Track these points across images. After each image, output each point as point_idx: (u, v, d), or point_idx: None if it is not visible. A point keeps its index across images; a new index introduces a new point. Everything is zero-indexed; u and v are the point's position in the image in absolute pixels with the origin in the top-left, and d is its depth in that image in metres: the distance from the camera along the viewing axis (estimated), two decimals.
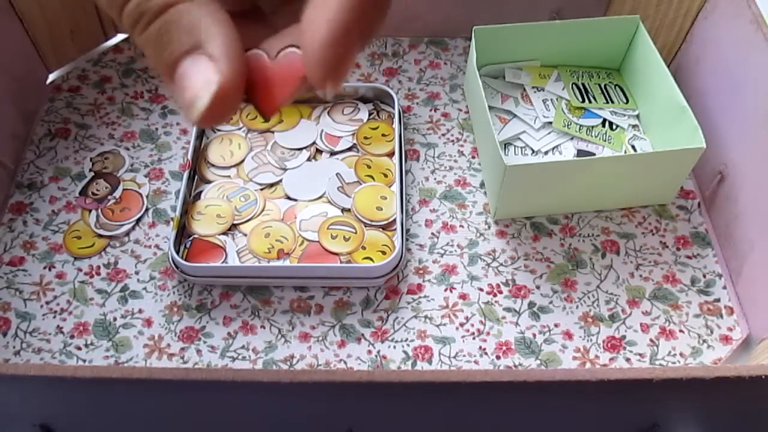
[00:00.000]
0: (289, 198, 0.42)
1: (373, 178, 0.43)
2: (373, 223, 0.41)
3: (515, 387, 0.26)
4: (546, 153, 0.44)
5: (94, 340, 0.37)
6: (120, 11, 0.19)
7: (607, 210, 0.43)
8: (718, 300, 0.40)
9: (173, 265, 0.39)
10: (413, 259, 0.41)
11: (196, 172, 0.43)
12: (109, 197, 0.42)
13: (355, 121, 0.45)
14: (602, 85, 0.47)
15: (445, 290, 0.39)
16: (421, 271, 0.40)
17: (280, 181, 0.43)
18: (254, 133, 0.45)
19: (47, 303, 0.39)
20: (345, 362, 0.37)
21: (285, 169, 0.43)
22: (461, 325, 0.38)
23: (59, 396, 0.29)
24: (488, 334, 0.38)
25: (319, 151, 0.44)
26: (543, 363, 0.37)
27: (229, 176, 0.43)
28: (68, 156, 0.45)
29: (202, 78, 0.18)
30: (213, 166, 0.43)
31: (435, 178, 0.44)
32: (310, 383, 0.25)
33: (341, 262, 0.39)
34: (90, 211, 0.42)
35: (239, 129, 0.45)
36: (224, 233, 0.40)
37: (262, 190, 0.42)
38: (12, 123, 0.44)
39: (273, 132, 0.45)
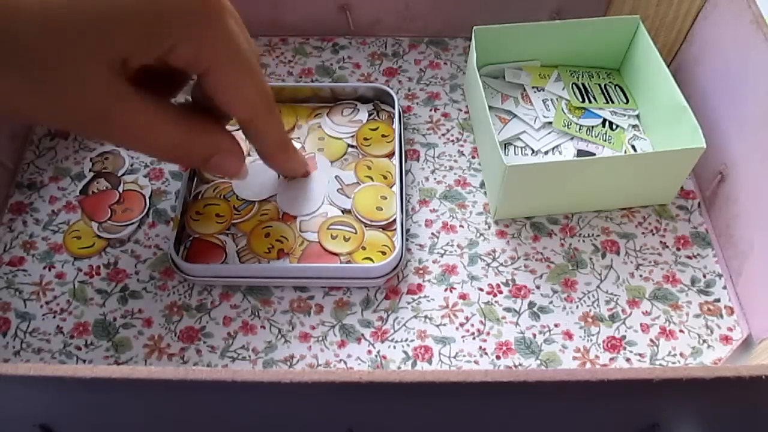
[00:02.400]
0: (286, 214, 0.41)
1: (372, 179, 0.43)
2: (373, 224, 0.41)
3: (515, 387, 0.26)
4: (546, 153, 0.44)
5: (94, 340, 0.37)
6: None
7: (607, 210, 0.43)
8: (718, 300, 0.40)
9: (173, 265, 0.39)
10: (413, 259, 0.41)
11: (196, 172, 0.43)
12: (113, 201, 0.42)
13: (354, 122, 0.45)
14: (602, 85, 0.47)
15: (445, 290, 0.39)
16: (421, 271, 0.40)
17: (273, 196, 0.42)
18: None
19: (47, 303, 0.39)
20: (345, 362, 0.37)
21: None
22: (461, 325, 0.38)
23: (59, 396, 0.29)
24: (488, 334, 0.38)
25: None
26: (543, 363, 0.37)
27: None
28: (68, 156, 0.45)
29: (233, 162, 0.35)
30: None
31: (435, 178, 0.44)
32: (310, 383, 0.25)
33: (341, 262, 0.39)
34: (93, 218, 0.42)
35: (238, 129, 0.45)
36: (224, 232, 0.40)
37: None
38: (12, 123, 0.44)
39: None
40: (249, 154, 0.44)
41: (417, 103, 0.48)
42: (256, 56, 0.34)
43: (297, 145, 0.44)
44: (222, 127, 0.35)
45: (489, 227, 0.42)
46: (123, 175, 0.44)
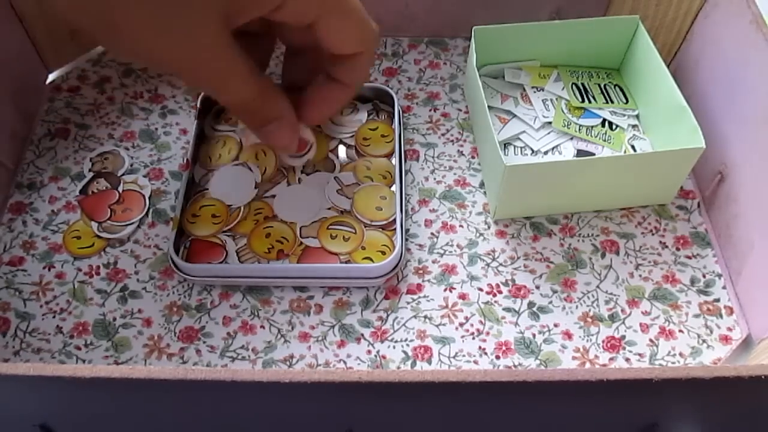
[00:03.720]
0: (283, 221, 0.41)
1: (371, 179, 0.43)
2: (373, 224, 0.41)
3: (515, 387, 0.26)
4: (546, 153, 0.44)
5: (93, 340, 0.37)
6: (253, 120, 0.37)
7: (607, 210, 0.43)
8: (717, 300, 0.40)
9: (173, 265, 0.39)
10: (413, 259, 0.41)
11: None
12: (113, 200, 0.43)
13: (353, 122, 0.45)
14: (602, 85, 0.47)
15: (445, 290, 0.39)
16: (421, 271, 0.40)
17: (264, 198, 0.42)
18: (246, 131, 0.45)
19: (47, 303, 0.39)
20: (345, 362, 0.37)
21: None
22: (461, 325, 0.38)
23: (59, 396, 0.29)
24: (488, 334, 0.38)
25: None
26: (543, 363, 0.37)
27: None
28: (68, 156, 0.45)
29: (286, 133, 0.37)
30: (200, 167, 0.43)
31: (435, 178, 0.44)
32: (310, 383, 0.25)
33: (341, 262, 0.39)
34: (92, 218, 0.42)
35: (235, 131, 0.45)
36: (223, 232, 0.40)
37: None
38: (12, 123, 0.44)
39: None
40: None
41: (417, 103, 0.48)
42: None
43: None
44: (286, 99, 0.36)
45: (489, 227, 0.42)
46: (123, 175, 0.44)
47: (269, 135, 0.37)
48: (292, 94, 0.37)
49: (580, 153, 0.44)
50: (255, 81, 0.34)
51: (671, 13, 0.46)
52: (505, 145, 0.44)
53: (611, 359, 0.37)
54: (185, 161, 0.43)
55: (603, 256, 0.41)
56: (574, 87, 0.47)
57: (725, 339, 0.38)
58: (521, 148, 0.44)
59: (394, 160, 0.43)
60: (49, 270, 0.40)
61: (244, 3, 0.31)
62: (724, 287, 0.40)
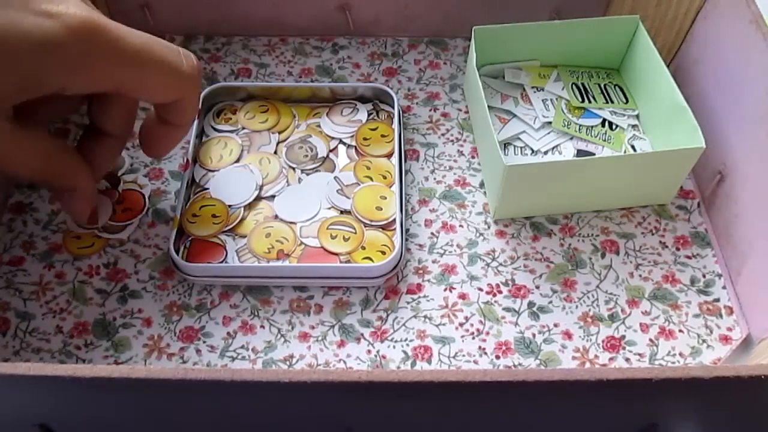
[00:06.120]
0: (283, 220, 0.41)
1: (371, 179, 0.43)
2: (373, 223, 0.41)
3: (515, 387, 0.26)
4: (546, 153, 0.44)
5: (93, 340, 0.37)
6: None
7: (607, 210, 0.43)
8: (717, 300, 0.40)
9: (173, 265, 0.39)
10: (413, 259, 0.41)
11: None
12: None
13: (353, 122, 0.45)
14: (602, 85, 0.47)
15: (445, 290, 0.40)
16: (421, 271, 0.40)
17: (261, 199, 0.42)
18: (249, 134, 0.45)
19: (47, 303, 0.39)
20: (344, 362, 0.37)
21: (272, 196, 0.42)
22: (461, 325, 0.38)
23: (59, 396, 0.29)
24: (488, 333, 0.38)
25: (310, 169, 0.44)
26: (542, 363, 0.37)
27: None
28: None
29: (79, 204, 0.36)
30: (200, 167, 0.43)
31: (435, 178, 0.44)
32: (310, 383, 0.25)
33: (341, 262, 0.39)
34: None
35: (236, 132, 0.45)
36: (223, 232, 0.40)
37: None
38: None
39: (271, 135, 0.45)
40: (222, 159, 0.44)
41: (417, 103, 0.48)
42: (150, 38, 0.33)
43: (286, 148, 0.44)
44: (84, 169, 0.36)
45: (488, 227, 0.42)
46: (123, 174, 0.44)
47: (63, 203, 0.37)
48: (101, 138, 0.37)
49: (580, 153, 0.44)
50: (44, 156, 0.33)
51: (671, 13, 0.46)
52: (505, 145, 0.44)
53: (611, 359, 0.37)
54: (185, 161, 0.43)
55: (603, 256, 0.41)
56: (574, 87, 0.47)
57: (725, 339, 0.38)
58: (521, 148, 0.44)
59: (394, 160, 0.43)
60: (49, 270, 0.40)
61: (13, 94, 0.30)
62: (724, 287, 0.40)
